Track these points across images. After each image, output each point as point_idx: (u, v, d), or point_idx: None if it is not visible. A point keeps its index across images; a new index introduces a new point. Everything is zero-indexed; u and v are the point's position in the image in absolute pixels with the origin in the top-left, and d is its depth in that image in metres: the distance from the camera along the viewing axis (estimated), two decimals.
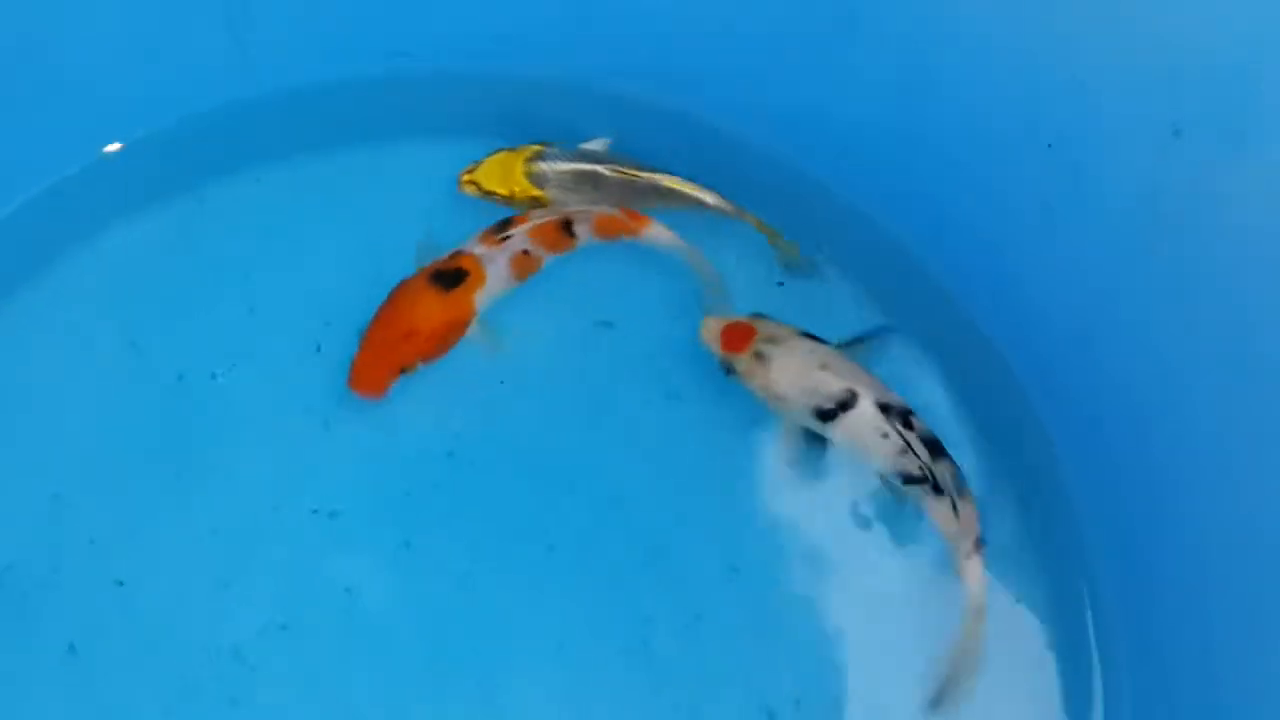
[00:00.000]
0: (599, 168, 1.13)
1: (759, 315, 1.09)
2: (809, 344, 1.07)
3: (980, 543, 1.02)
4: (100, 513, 1.05)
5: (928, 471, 1.03)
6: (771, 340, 1.06)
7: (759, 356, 1.05)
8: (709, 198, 1.14)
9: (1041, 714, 1.04)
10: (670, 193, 1.14)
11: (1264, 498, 0.95)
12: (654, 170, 1.14)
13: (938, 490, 1.03)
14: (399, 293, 1.06)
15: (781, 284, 1.16)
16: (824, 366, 1.05)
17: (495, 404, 1.10)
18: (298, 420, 1.08)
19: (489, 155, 1.13)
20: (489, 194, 1.12)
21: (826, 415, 1.04)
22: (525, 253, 1.08)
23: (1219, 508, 0.99)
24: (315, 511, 1.06)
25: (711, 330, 1.08)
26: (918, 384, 1.14)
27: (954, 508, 1.02)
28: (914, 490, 1.04)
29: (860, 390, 1.04)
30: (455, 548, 1.06)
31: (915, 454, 1.03)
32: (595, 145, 1.16)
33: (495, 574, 1.05)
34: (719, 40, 1.17)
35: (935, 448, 1.04)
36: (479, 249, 1.08)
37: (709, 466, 1.10)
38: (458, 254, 1.08)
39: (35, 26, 1.08)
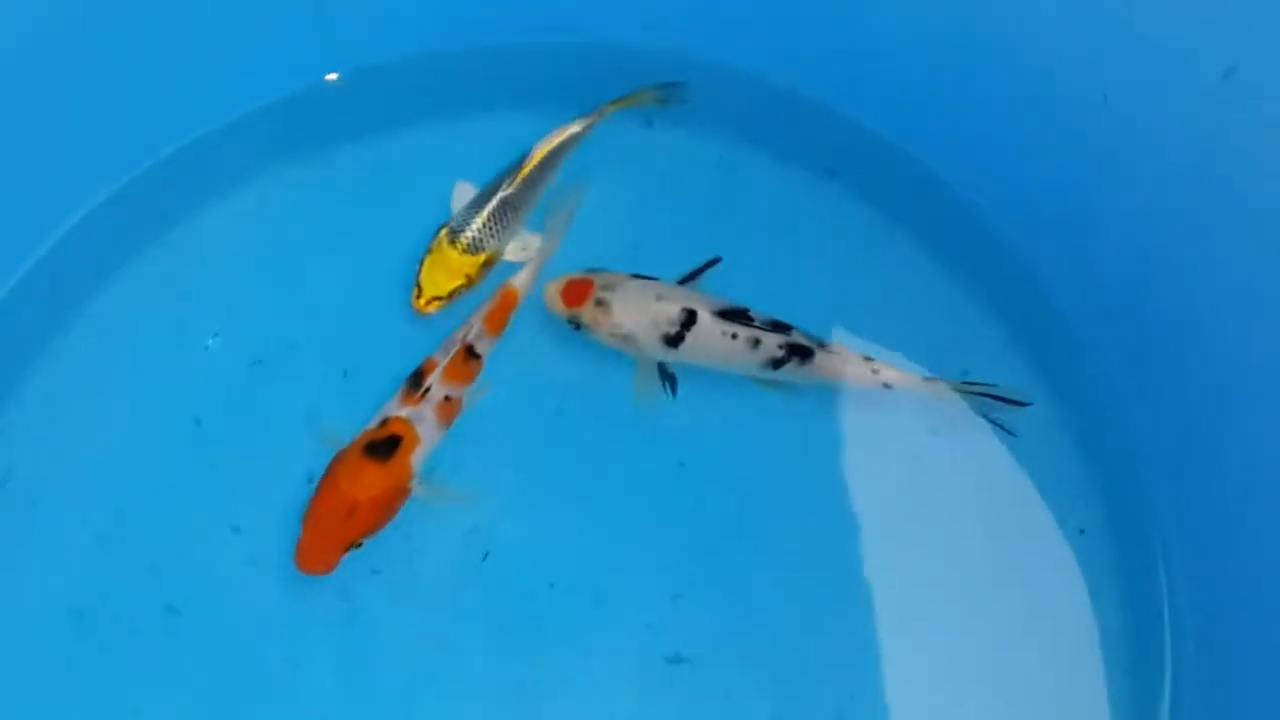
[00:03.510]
0: (500, 194, 1.15)
1: (594, 270, 1.14)
2: (641, 282, 1.12)
3: (867, 357, 1.11)
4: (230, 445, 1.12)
5: (787, 347, 1.09)
6: (608, 287, 1.11)
7: (600, 304, 1.11)
8: (576, 128, 1.19)
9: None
10: (554, 156, 1.18)
11: None
12: (524, 159, 1.16)
13: (805, 355, 1.10)
14: (336, 470, 1.04)
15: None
16: (659, 297, 1.11)
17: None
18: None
19: (418, 275, 1.13)
20: (452, 295, 1.13)
21: (674, 339, 1.10)
22: (447, 399, 1.08)
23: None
24: None
25: (552, 293, 1.12)
26: (980, 338, 1.18)
27: (827, 350, 1.10)
28: (788, 370, 1.10)
29: (696, 306, 1.10)
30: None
31: (767, 339, 1.09)
32: (463, 188, 1.19)
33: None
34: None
35: (781, 326, 1.11)
36: (404, 411, 1.06)
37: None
38: (386, 421, 1.06)
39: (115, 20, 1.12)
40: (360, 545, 1.03)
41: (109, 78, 1.14)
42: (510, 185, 1.16)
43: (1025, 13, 1.10)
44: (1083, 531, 1.11)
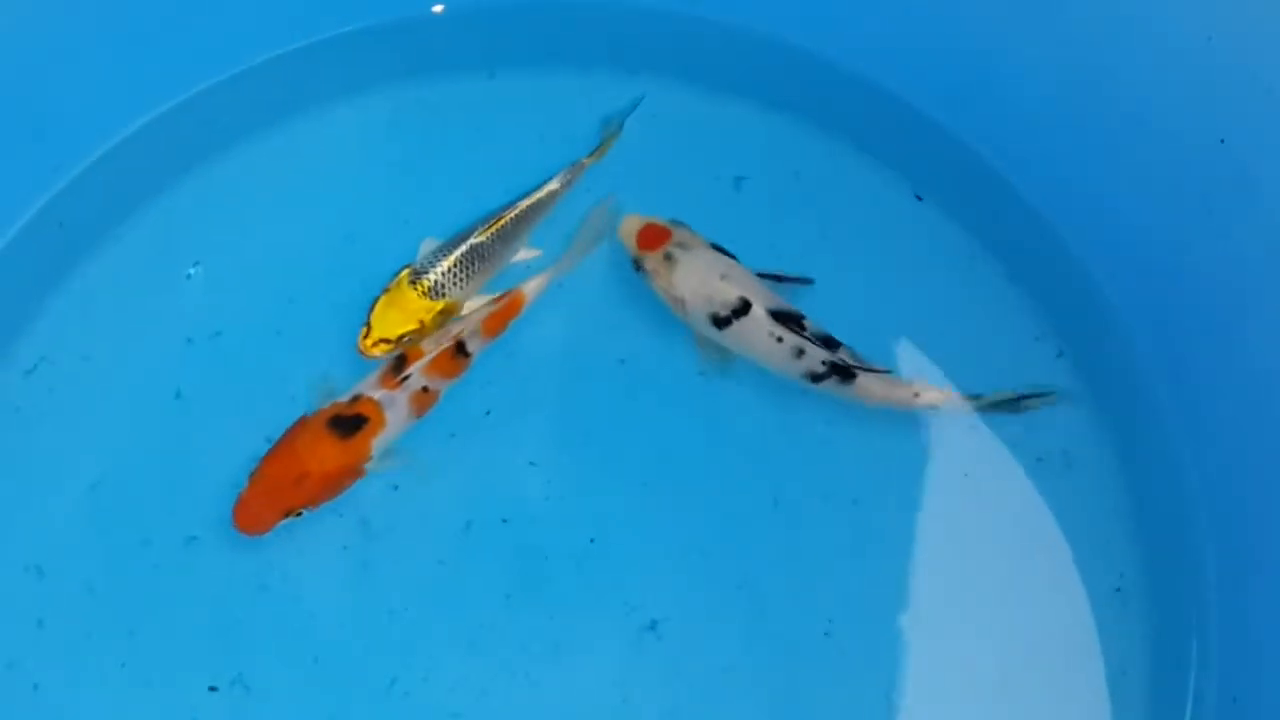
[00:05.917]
0: (470, 240, 1.10)
1: (678, 222, 1.12)
2: (716, 255, 1.10)
3: (911, 380, 1.10)
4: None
5: (829, 365, 1.07)
6: (682, 245, 1.09)
7: (668, 258, 1.09)
8: (555, 185, 1.15)
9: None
10: (531, 211, 1.14)
11: None
12: (502, 210, 1.13)
13: (848, 375, 1.07)
14: (295, 434, 1.03)
15: None
16: (724, 277, 1.08)
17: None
18: None
19: (370, 312, 1.08)
20: (401, 340, 1.07)
21: (721, 321, 1.08)
22: (424, 389, 1.05)
23: None
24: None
25: (630, 227, 1.11)
26: (1047, 371, 1.15)
27: (872, 375, 1.08)
28: (827, 386, 1.08)
29: (753, 299, 1.08)
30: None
31: (812, 352, 1.06)
32: (429, 244, 1.13)
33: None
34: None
35: (831, 342, 1.08)
36: (379, 393, 1.04)
37: None
38: (357, 398, 1.04)
39: None
40: (299, 514, 1.02)
41: None
42: (482, 234, 1.11)
43: (1152, 44, 1.06)
44: (1119, 590, 1.08)
